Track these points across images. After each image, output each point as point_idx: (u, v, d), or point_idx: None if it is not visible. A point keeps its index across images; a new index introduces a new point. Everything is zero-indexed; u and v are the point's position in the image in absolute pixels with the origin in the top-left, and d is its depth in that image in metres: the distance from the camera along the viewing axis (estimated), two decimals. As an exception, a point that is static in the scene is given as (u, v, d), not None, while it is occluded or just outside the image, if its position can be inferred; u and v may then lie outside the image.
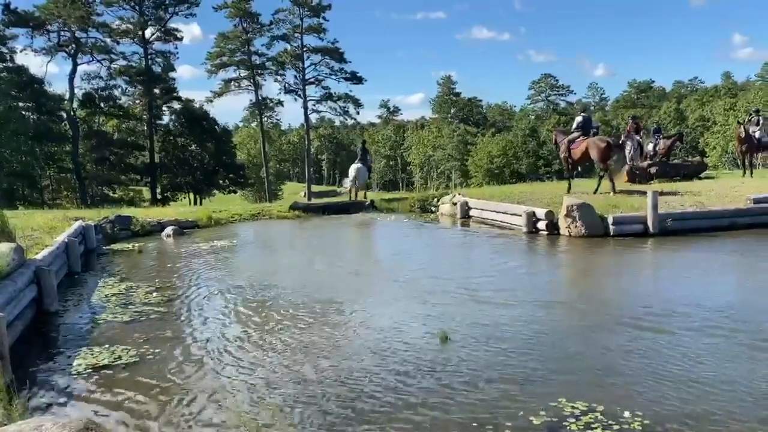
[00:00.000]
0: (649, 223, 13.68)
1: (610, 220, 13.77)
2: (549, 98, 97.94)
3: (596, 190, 16.84)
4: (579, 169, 19.32)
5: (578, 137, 17.30)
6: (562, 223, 14.05)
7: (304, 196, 53.16)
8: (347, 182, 21.99)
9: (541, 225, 14.44)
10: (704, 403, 4.98)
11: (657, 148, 22.81)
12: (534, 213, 14.70)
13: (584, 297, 8.84)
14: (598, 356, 6.12)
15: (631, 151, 21.82)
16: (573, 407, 4.88)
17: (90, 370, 6.01)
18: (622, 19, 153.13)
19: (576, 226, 13.77)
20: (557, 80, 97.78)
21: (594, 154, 16.57)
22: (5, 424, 3.57)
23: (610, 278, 10.36)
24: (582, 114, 18.39)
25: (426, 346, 6.49)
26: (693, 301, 7.97)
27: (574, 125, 18.09)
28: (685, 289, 8.85)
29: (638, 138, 22.34)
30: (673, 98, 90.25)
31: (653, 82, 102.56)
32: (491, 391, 5.31)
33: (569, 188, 17.56)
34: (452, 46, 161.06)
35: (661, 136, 23.62)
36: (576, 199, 14.27)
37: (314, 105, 54.42)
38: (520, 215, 14.90)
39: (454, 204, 18.78)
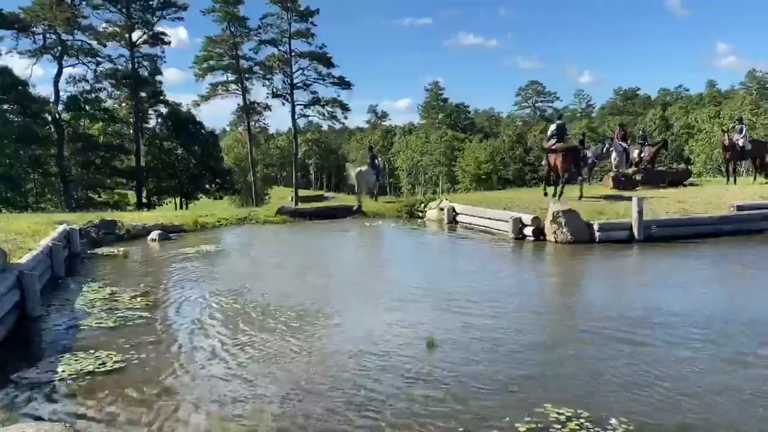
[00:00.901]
0: (635, 229, 13.80)
1: (595, 227, 13.87)
2: (536, 105, 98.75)
3: (580, 196, 17.00)
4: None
5: (554, 144, 17.42)
6: (549, 230, 14.13)
7: (292, 200, 53.05)
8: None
9: (528, 231, 14.49)
10: (687, 410, 5.02)
11: (642, 155, 23.05)
12: (521, 219, 14.75)
13: (569, 305, 8.89)
14: (584, 364, 6.15)
15: (617, 158, 22.07)
16: (558, 413, 4.90)
17: (74, 376, 5.94)
18: (608, 27, 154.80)
19: (562, 233, 13.85)
20: (544, 87, 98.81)
21: (559, 160, 16.85)
22: (-14, 432, 3.53)
23: (595, 286, 10.44)
24: (557, 121, 18.39)
25: (410, 353, 6.48)
26: (676, 310, 8.04)
27: (549, 133, 18.12)
28: (669, 297, 8.91)
29: (624, 145, 22.56)
30: (659, 105, 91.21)
31: (639, 89, 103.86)
32: (476, 398, 5.32)
33: (546, 193, 17.83)
34: (440, 52, 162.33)
35: (646, 143, 23.88)
36: (562, 206, 14.36)
37: (302, 109, 54.35)
38: (507, 221, 14.94)
39: (441, 209, 18.83)
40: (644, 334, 7.00)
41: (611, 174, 21.81)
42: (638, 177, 21.26)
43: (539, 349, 6.60)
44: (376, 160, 23.16)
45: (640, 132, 27.18)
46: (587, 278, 11.20)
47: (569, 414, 4.88)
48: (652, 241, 13.59)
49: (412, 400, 5.29)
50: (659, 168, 23.76)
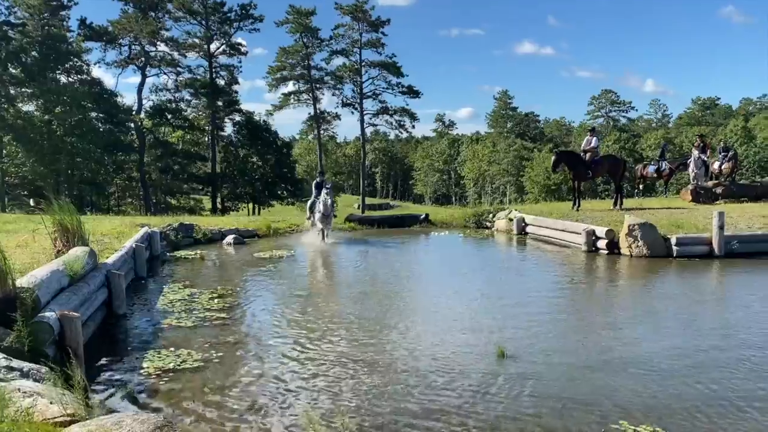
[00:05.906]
0: (715, 244, 13.27)
1: (673, 241, 13.41)
2: (609, 114, 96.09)
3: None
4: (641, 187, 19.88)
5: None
6: (623, 243, 13.75)
7: (358, 207, 53.70)
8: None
9: (601, 244, 14.16)
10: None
11: (722, 168, 22.13)
12: (594, 231, 14.43)
13: (647, 322, 8.61)
14: (663, 382, 5.97)
15: (696, 170, 21.30)
16: (635, 430, 4.80)
17: (159, 372, 6.23)
18: (670, 36, 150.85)
19: (637, 246, 13.46)
20: (618, 96, 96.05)
21: (615, 170, 18.47)
22: (86, 419, 3.77)
23: (674, 304, 9.91)
24: (595, 135, 19.44)
25: (482, 363, 6.47)
26: (754, 331, 7.70)
27: (592, 145, 18.72)
28: (749, 319, 8.55)
29: (703, 157, 21.75)
30: (741, 116, 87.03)
31: (719, 99, 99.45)
32: (549, 410, 5.26)
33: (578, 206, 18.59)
34: (492, 62, 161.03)
35: (727, 156, 22.85)
36: (638, 218, 13.94)
37: (371, 118, 55.10)
38: (580, 233, 14.64)
39: (510, 220, 18.63)
40: (729, 355, 6.74)
41: (689, 187, 21.04)
42: (718, 190, 20.40)
43: (617, 365, 6.43)
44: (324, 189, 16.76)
45: (720, 143, 26.00)
46: (666, 295, 10.61)
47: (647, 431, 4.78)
48: (734, 257, 13.03)
49: (482, 408, 5.29)
50: (741, 181, 22.73)
